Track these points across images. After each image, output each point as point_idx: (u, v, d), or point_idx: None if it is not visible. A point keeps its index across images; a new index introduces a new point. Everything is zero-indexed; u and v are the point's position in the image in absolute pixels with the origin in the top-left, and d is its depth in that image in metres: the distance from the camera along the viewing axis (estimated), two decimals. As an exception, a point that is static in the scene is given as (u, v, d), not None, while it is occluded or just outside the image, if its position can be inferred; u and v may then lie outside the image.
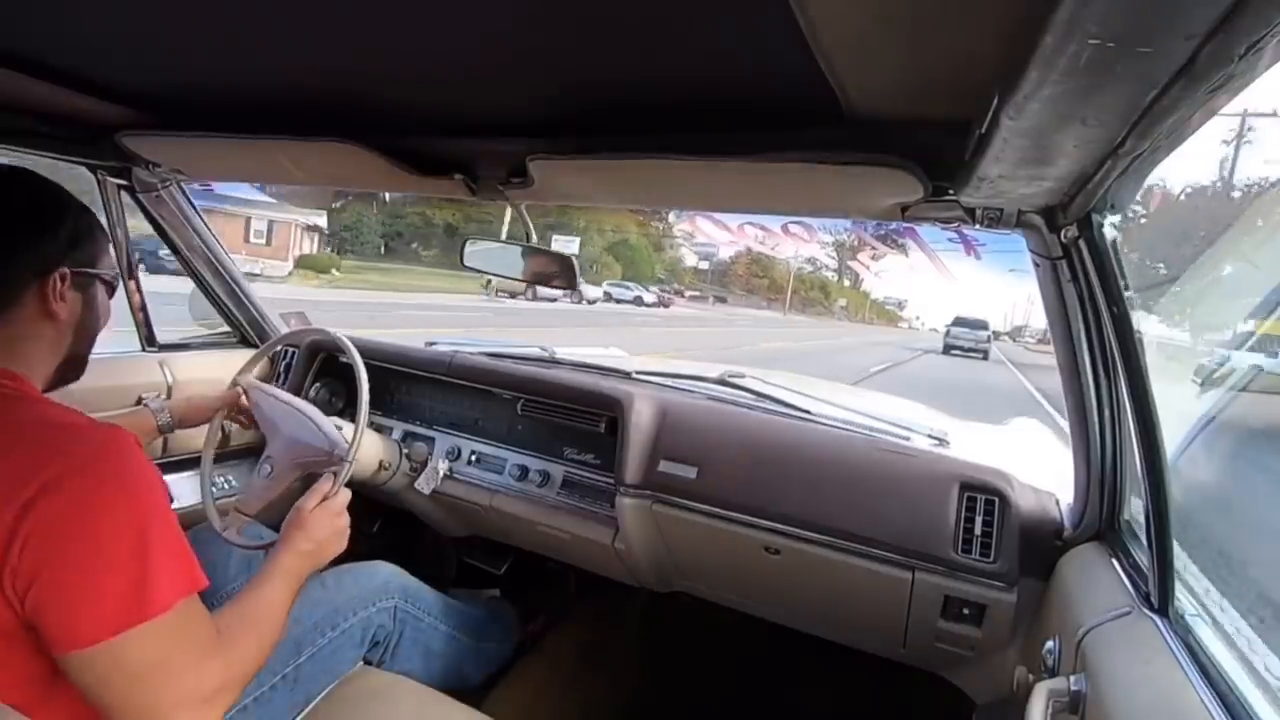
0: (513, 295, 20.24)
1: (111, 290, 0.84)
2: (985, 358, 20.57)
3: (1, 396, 0.67)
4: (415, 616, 1.21)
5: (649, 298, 29.96)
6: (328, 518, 0.95)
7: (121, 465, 0.64)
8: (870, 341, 25.43)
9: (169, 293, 1.73)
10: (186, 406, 1.23)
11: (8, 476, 0.59)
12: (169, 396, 1.50)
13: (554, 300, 20.29)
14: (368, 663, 1.12)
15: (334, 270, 21.10)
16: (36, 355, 0.73)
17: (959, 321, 22.48)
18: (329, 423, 1.18)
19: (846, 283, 64.71)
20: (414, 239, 30.31)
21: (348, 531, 0.98)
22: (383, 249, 28.71)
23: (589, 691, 1.55)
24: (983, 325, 22.36)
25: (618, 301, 27.62)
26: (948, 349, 21.48)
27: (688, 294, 42.70)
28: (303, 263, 20.58)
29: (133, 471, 0.65)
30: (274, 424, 1.23)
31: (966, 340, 21.36)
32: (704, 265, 52.31)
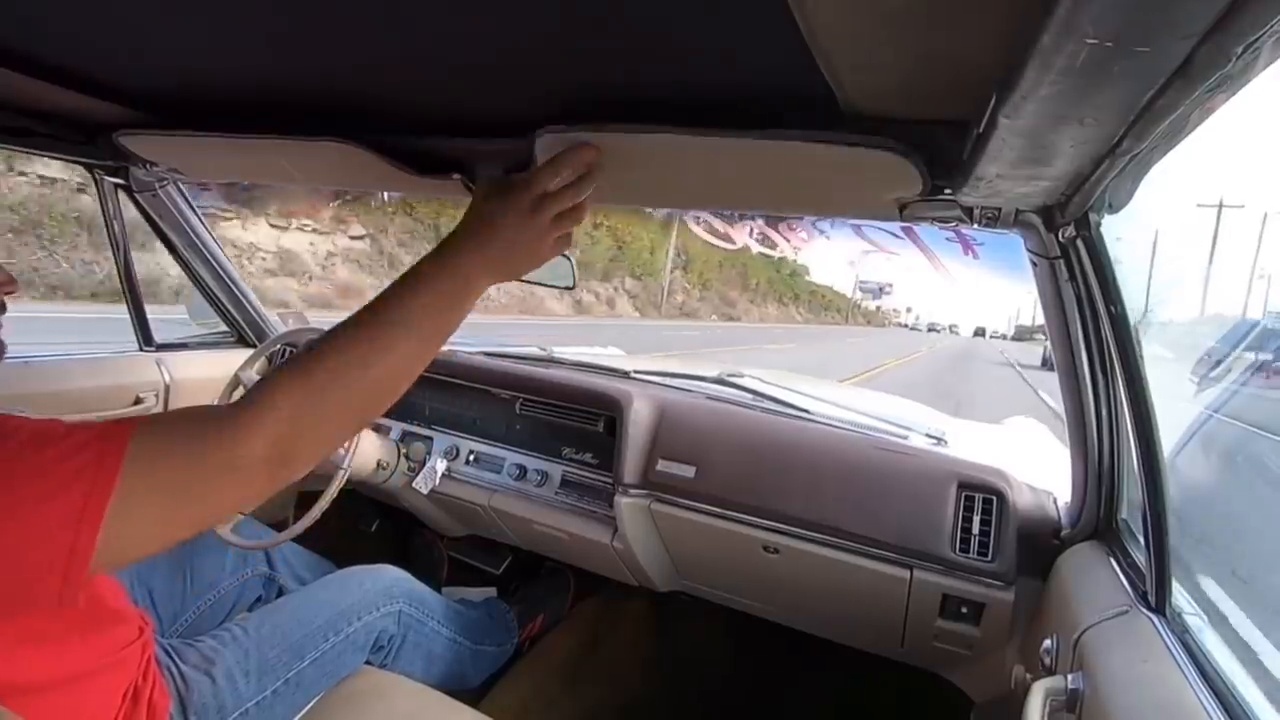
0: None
1: None
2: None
3: None
4: (419, 620, 1.21)
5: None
6: (529, 204, 0.66)
7: None
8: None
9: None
10: None
11: None
12: (166, 396, 1.50)
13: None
14: (369, 665, 1.12)
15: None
16: None
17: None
18: None
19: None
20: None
21: (549, 237, 0.68)
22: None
23: (587, 692, 1.55)
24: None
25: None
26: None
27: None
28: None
29: None
30: None
31: None
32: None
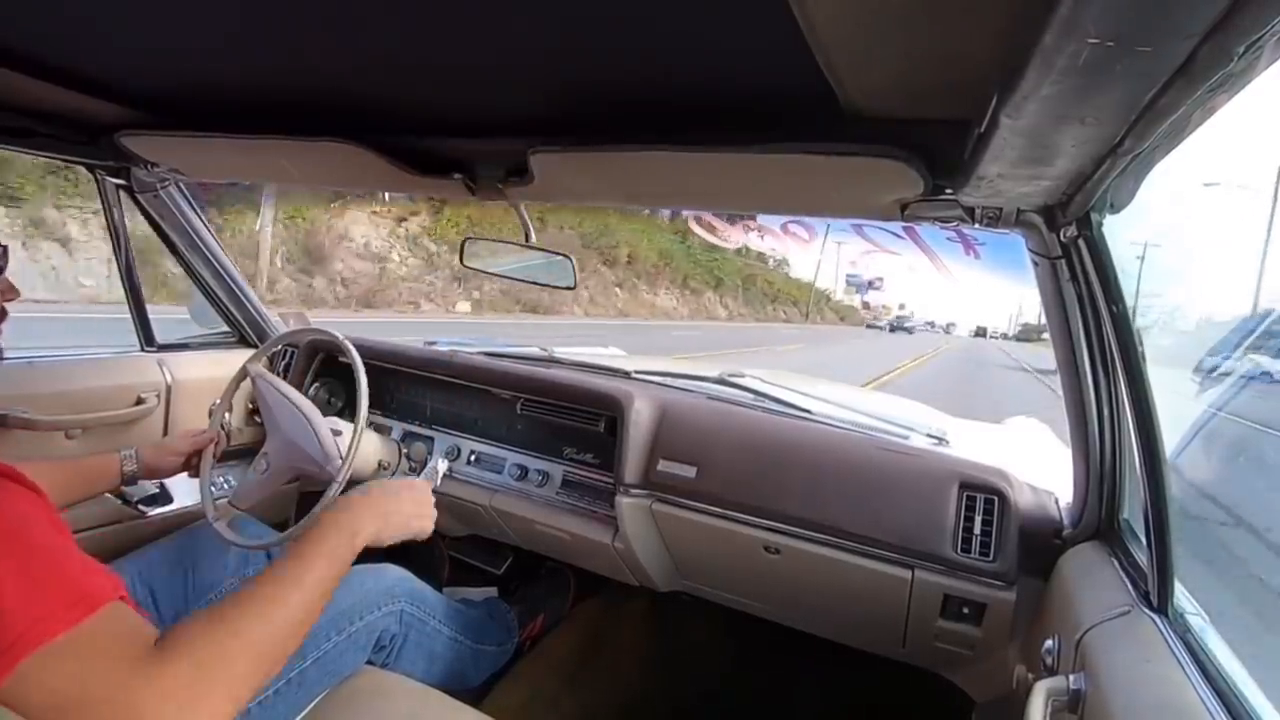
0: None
1: None
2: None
3: None
4: (420, 620, 1.21)
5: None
6: (409, 491, 0.92)
7: None
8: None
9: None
10: (156, 454, 1.15)
11: None
12: (168, 396, 1.50)
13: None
14: (370, 664, 1.12)
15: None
16: None
17: None
18: (327, 432, 1.17)
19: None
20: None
21: (431, 513, 0.95)
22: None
23: (588, 691, 1.55)
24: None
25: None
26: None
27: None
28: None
29: None
30: (275, 421, 1.23)
31: None
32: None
